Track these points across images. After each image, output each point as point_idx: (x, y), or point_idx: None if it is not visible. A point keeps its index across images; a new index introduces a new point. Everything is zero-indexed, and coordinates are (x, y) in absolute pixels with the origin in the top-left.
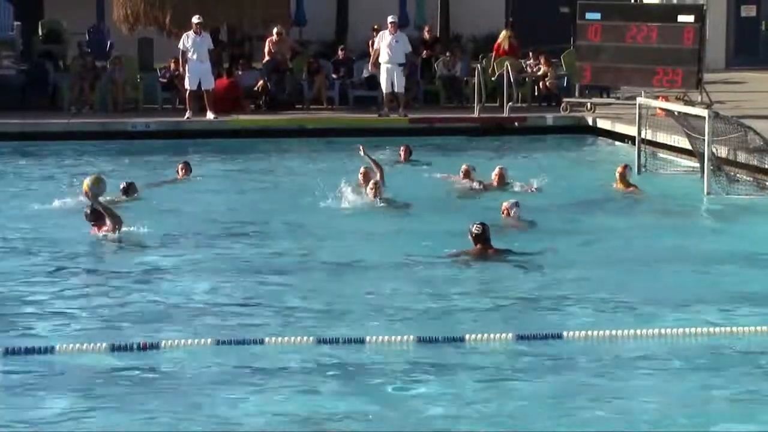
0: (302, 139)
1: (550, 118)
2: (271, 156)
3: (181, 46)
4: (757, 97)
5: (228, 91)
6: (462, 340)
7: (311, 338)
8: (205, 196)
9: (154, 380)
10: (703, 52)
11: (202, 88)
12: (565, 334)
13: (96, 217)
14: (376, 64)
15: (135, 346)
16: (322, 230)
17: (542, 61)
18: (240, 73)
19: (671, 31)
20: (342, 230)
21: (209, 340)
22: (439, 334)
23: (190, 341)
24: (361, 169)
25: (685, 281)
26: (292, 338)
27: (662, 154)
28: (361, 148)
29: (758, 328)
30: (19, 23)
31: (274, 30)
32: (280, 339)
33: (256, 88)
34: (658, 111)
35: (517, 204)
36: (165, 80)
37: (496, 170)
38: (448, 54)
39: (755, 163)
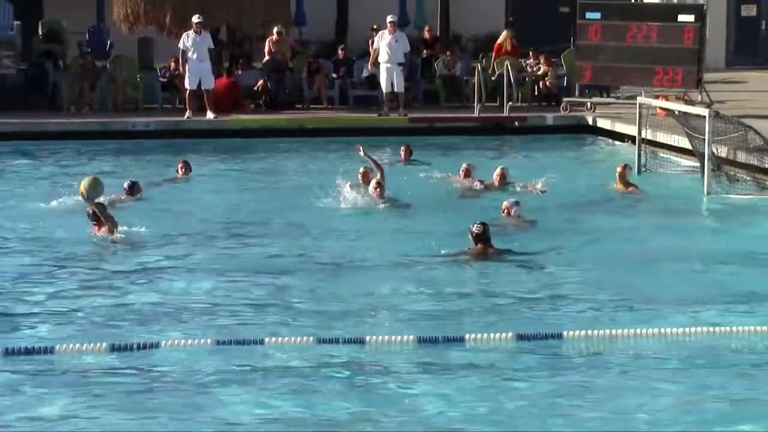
0: (302, 139)
1: (550, 117)
2: (271, 156)
3: (181, 45)
4: (757, 96)
5: (228, 90)
6: (462, 340)
7: (311, 338)
8: (205, 195)
9: (154, 380)
10: (703, 52)
11: (202, 88)
12: (565, 334)
13: (97, 216)
14: (376, 64)
15: (135, 346)
16: (322, 230)
17: (542, 60)
18: (240, 72)
19: (671, 31)
20: (342, 230)
21: (209, 340)
22: (439, 334)
23: (190, 341)
24: (361, 169)
25: (685, 281)
26: (292, 338)
27: (662, 154)
28: (361, 148)
29: (758, 328)
30: (19, 23)
31: (274, 30)
32: (280, 339)
33: (256, 88)
34: (659, 110)
35: (517, 203)
36: (165, 80)
37: (498, 170)
38: (448, 54)
39: (755, 162)
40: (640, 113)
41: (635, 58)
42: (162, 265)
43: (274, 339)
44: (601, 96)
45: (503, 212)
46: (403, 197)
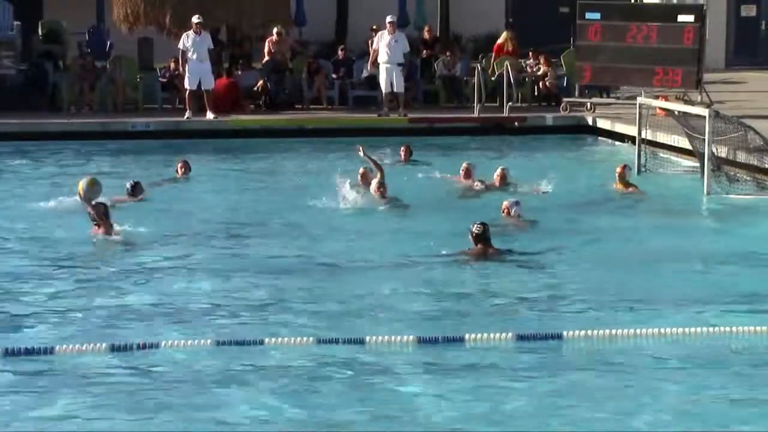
0: (302, 139)
1: (550, 118)
2: (271, 156)
3: (181, 45)
4: (757, 97)
5: (228, 91)
6: (462, 340)
7: (311, 338)
8: (205, 196)
9: (154, 380)
10: (703, 52)
11: (202, 88)
12: (565, 334)
13: (99, 216)
14: (375, 64)
15: (135, 346)
16: (322, 230)
17: (542, 61)
18: (240, 73)
19: (671, 31)
20: (342, 230)
21: (209, 341)
22: (439, 334)
23: (189, 341)
24: (360, 170)
25: (685, 281)
26: (292, 338)
27: (662, 154)
28: (360, 148)
29: (758, 328)
30: (18, 23)
31: (274, 30)
32: (280, 339)
33: (256, 88)
34: (658, 111)
35: (517, 203)
36: (165, 80)
37: (498, 171)
38: (447, 54)
39: (755, 162)
40: (640, 113)
41: (635, 58)
42: (162, 265)
43: (273, 339)
44: (601, 96)
45: (503, 212)
46: (403, 197)
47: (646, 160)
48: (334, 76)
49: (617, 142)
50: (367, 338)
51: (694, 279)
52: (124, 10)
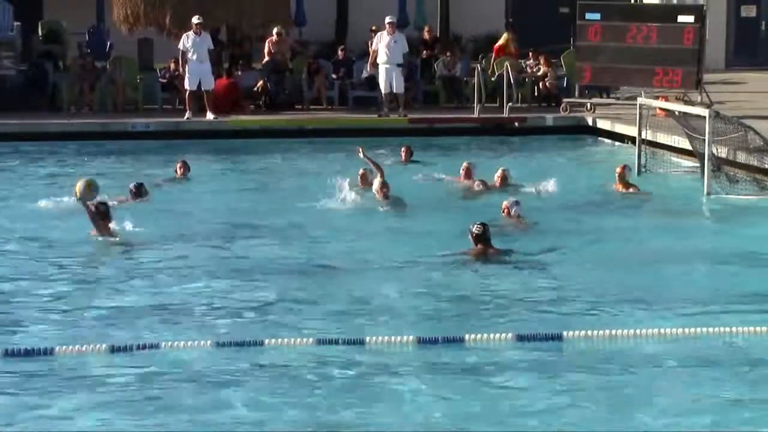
0: (302, 139)
1: (550, 118)
2: (271, 156)
3: (180, 46)
4: (757, 97)
5: (228, 91)
6: (462, 340)
7: (311, 339)
8: (205, 196)
9: (154, 381)
10: (702, 53)
11: (202, 89)
12: (565, 334)
13: (100, 217)
14: (375, 65)
15: (135, 347)
16: (322, 231)
17: (542, 61)
18: (240, 73)
19: (671, 32)
20: (342, 231)
21: (209, 342)
22: (439, 334)
23: (189, 342)
24: (360, 171)
25: (685, 281)
26: (292, 339)
27: (662, 155)
28: (360, 149)
29: (758, 328)
30: (18, 23)
31: (274, 30)
32: (279, 340)
33: (255, 89)
34: (658, 111)
35: (517, 203)
36: (165, 80)
37: (499, 172)
38: (447, 54)
39: (755, 163)
40: (640, 114)
41: (635, 58)
42: (161, 265)
43: (273, 340)
44: (601, 97)
45: (503, 212)
46: (404, 198)
47: (646, 160)
48: (334, 76)
49: (617, 143)
50: (367, 338)
51: (694, 279)
52: (124, 11)
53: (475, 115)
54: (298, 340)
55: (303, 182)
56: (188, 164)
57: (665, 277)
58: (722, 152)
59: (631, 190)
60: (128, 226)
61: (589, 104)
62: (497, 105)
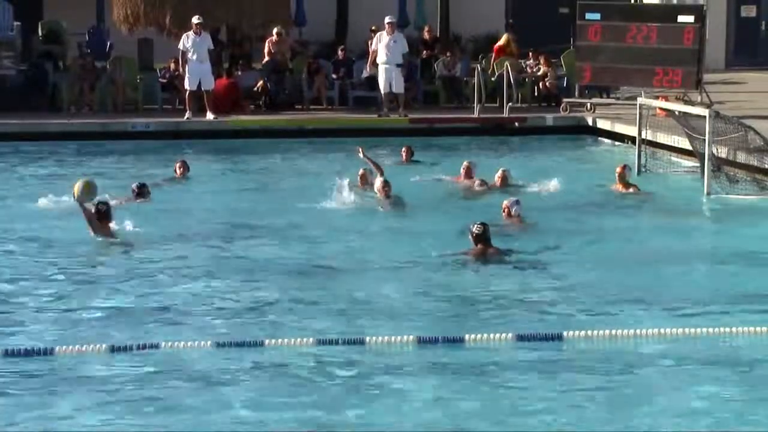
0: (302, 139)
1: (550, 118)
2: (271, 156)
3: (180, 46)
4: (757, 97)
5: (228, 91)
6: (462, 340)
7: (311, 339)
8: (205, 196)
9: (154, 381)
10: (702, 53)
11: (202, 89)
12: (565, 334)
13: (100, 216)
14: (374, 65)
15: (135, 347)
16: (322, 231)
17: (542, 61)
18: (240, 73)
19: (671, 32)
20: (342, 231)
21: (208, 342)
22: (439, 334)
23: (189, 342)
24: (360, 171)
25: (685, 281)
26: (292, 339)
27: (662, 155)
28: (360, 150)
29: (758, 328)
30: (18, 23)
31: (274, 30)
32: (279, 340)
33: (255, 89)
34: (658, 111)
35: (517, 202)
36: (165, 80)
37: (499, 172)
38: (447, 54)
39: (755, 163)
40: (640, 114)
41: (635, 58)
42: (162, 265)
43: (273, 340)
44: (601, 97)
45: (503, 212)
46: (405, 197)
47: (646, 160)
48: (334, 76)
49: (617, 143)
50: (367, 338)
51: (694, 279)
52: (124, 11)
53: (475, 115)
54: (298, 340)
55: (303, 182)
56: (187, 164)
57: (665, 277)
58: (722, 152)
59: (631, 189)
60: (128, 226)
61: (589, 104)
62: (497, 105)
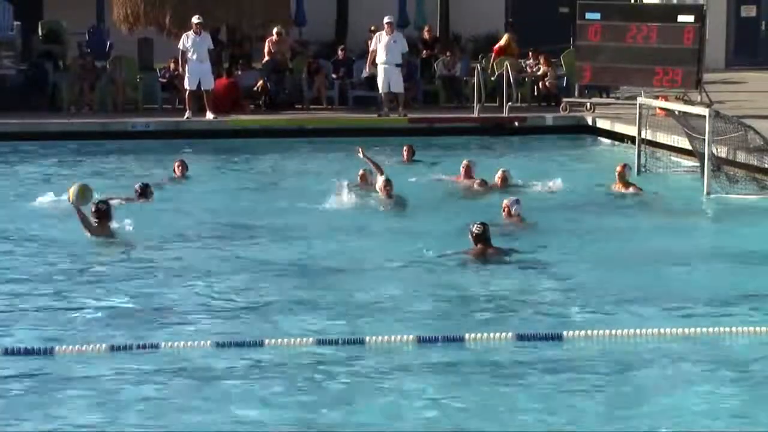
0: (302, 139)
1: (549, 118)
2: (271, 156)
3: (180, 46)
4: (757, 97)
5: (228, 91)
6: (462, 340)
7: (311, 339)
8: (205, 196)
9: (154, 381)
10: (702, 52)
11: (202, 88)
12: (565, 334)
13: (100, 216)
14: (374, 65)
15: (135, 347)
16: (322, 230)
17: (542, 61)
18: (240, 73)
19: (671, 31)
20: (342, 231)
21: (208, 342)
22: (439, 334)
23: (189, 342)
24: (360, 171)
25: (685, 281)
26: (292, 339)
27: (662, 154)
28: (360, 150)
29: (758, 328)
30: (18, 23)
31: (274, 30)
32: (279, 340)
33: (255, 89)
34: (658, 111)
35: (517, 201)
36: (165, 80)
37: (499, 173)
38: (447, 54)
39: (755, 162)
40: (639, 113)
41: (635, 58)
42: (161, 265)
43: (273, 340)
44: (601, 96)
45: (503, 211)
46: (405, 197)
47: (646, 160)
48: (334, 76)
49: (617, 142)
50: (367, 338)
51: (694, 279)
52: (124, 11)
53: (475, 114)
54: (298, 340)
55: (303, 182)
56: (186, 164)
57: (665, 277)
58: (722, 152)
59: (631, 189)
60: (127, 225)
61: (588, 104)
62: (497, 105)
